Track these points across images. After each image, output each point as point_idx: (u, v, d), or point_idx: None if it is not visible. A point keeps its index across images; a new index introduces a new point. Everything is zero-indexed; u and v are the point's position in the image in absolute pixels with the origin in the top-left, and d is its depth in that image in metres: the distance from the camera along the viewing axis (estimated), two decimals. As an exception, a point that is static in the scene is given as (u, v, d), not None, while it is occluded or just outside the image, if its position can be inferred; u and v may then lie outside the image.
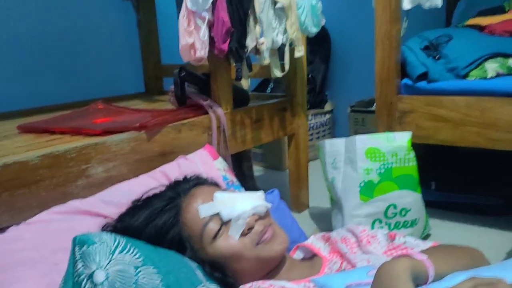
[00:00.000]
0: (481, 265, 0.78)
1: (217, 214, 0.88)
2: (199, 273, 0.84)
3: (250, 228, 0.88)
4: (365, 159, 1.49)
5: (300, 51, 1.64)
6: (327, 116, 2.83)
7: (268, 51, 1.51)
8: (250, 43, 1.47)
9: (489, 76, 1.55)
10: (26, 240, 0.92)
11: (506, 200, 1.75)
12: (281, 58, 1.61)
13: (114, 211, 0.98)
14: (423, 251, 0.78)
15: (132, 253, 0.73)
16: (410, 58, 1.68)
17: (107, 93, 2.06)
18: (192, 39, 1.37)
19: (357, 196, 1.50)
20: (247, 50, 1.47)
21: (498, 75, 1.55)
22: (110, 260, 0.70)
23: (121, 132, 1.26)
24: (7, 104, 1.82)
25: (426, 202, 1.58)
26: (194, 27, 1.37)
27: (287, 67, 1.62)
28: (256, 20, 1.47)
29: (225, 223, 0.88)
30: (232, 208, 0.88)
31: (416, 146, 1.54)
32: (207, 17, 1.37)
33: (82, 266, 0.70)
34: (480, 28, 1.79)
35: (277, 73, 1.61)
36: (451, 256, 0.78)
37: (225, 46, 1.41)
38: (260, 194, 0.95)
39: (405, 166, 1.50)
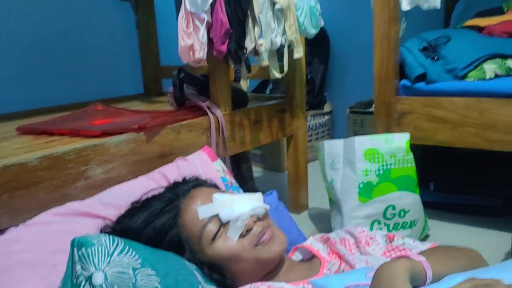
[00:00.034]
0: (479, 266, 0.78)
1: (216, 216, 0.88)
2: (198, 275, 0.84)
3: (248, 230, 0.88)
4: (364, 160, 1.50)
5: (299, 52, 1.64)
6: (326, 117, 2.83)
7: (267, 52, 1.52)
8: (249, 44, 1.47)
9: (487, 77, 1.55)
10: (25, 242, 0.92)
11: (505, 201, 1.76)
12: (280, 59, 1.61)
13: (113, 213, 0.98)
14: (422, 252, 0.78)
15: (130, 255, 0.73)
16: (409, 59, 1.69)
17: (106, 94, 2.06)
18: (191, 40, 1.37)
19: (356, 197, 1.50)
20: (246, 52, 1.47)
21: (496, 76, 1.56)
22: (109, 262, 0.70)
23: (120, 133, 1.26)
24: (6, 106, 1.82)
25: (424, 203, 1.58)
26: (193, 28, 1.37)
27: (286, 68, 1.62)
28: (255, 22, 1.47)
29: (223, 225, 0.88)
30: (231, 209, 0.88)
31: (414, 147, 1.54)
32: (206, 19, 1.37)
33: (81, 268, 0.70)
34: (479, 29, 1.79)
35: (276, 74, 1.61)
36: (450, 258, 0.79)
37: (224, 48, 1.41)
38: (258, 196, 0.95)
39: (404, 167, 1.50)
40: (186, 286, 0.78)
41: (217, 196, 0.91)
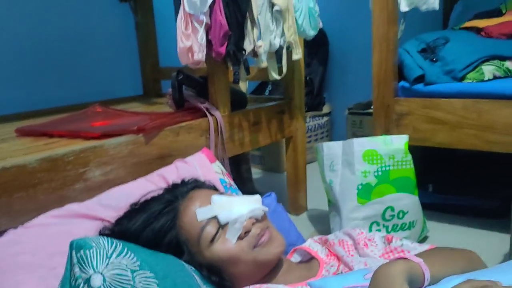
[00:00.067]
0: (477, 268, 0.78)
1: (215, 218, 0.88)
2: (197, 277, 0.84)
3: (247, 232, 0.88)
4: (363, 161, 1.50)
5: (298, 54, 1.64)
6: (325, 118, 2.83)
7: (265, 54, 1.52)
8: (247, 46, 1.47)
9: (486, 78, 1.55)
10: (23, 244, 0.91)
11: (503, 202, 1.75)
12: (279, 60, 1.62)
13: (111, 215, 0.98)
14: (420, 254, 0.78)
15: (129, 257, 0.73)
16: (407, 60, 1.69)
17: (105, 95, 2.07)
18: (190, 42, 1.37)
19: (354, 199, 1.50)
20: (245, 53, 1.47)
21: (495, 78, 1.56)
22: (107, 264, 0.70)
23: (119, 135, 1.26)
24: (5, 107, 1.82)
25: (423, 204, 1.59)
26: (191, 30, 1.37)
27: (284, 69, 1.62)
28: (253, 23, 1.47)
29: (222, 227, 0.88)
30: (229, 211, 0.88)
31: (413, 149, 1.54)
32: (204, 20, 1.37)
33: (79, 270, 0.70)
34: (477, 31, 1.79)
35: (275, 76, 1.61)
36: (448, 259, 0.79)
37: (222, 49, 1.41)
38: (257, 198, 0.95)
39: (403, 168, 1.50)
40: (184, 288, 0.78)
41: (215, 198, 0.91)
